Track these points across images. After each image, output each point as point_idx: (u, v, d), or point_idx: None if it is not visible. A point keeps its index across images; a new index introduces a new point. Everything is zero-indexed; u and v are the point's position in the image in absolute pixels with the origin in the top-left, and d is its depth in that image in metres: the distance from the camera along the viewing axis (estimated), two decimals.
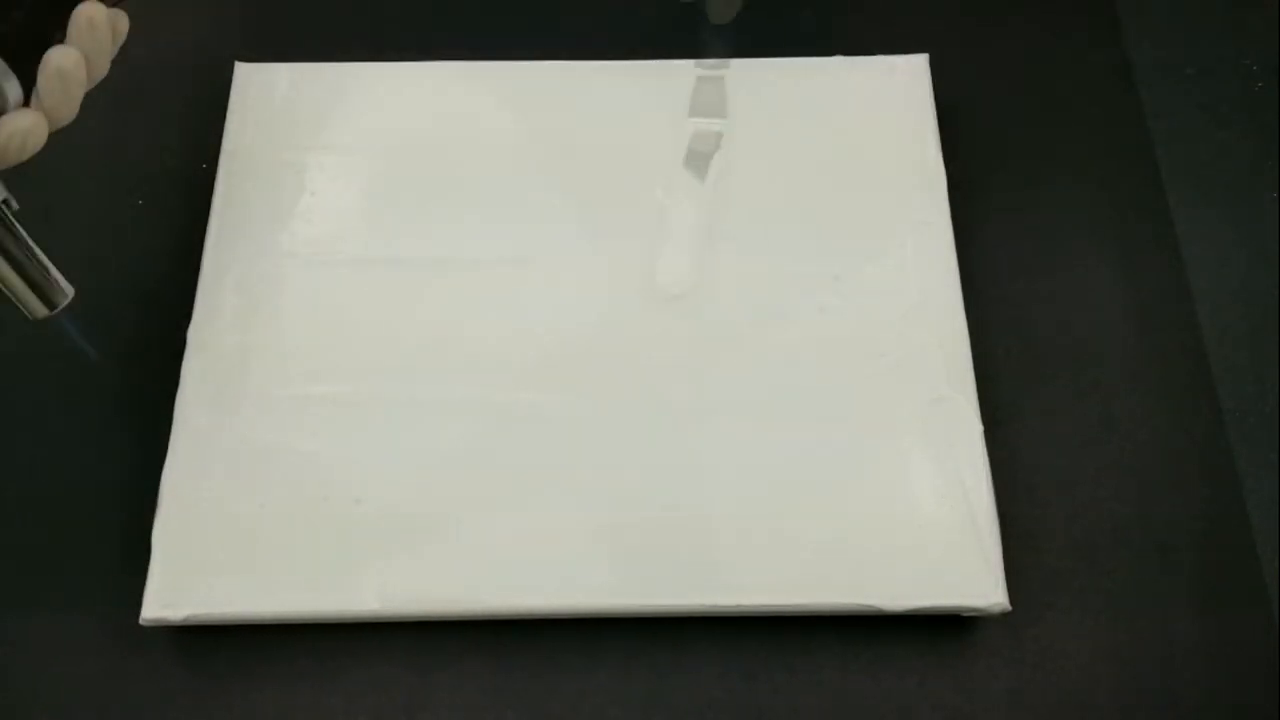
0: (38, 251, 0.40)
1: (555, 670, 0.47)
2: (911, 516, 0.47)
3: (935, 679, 0.47)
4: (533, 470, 0.48)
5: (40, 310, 0.41)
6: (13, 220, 0.39)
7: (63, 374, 0.53)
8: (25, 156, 0.39)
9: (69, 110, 0.40)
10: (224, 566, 0.47)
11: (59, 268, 0.55)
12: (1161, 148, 0.58)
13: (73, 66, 0.38)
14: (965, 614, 0.47)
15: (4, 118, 0.38)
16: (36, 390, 0.53)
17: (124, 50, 0.61)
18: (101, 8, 0.39)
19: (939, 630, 0.48)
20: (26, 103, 0.39)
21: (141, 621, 0.46)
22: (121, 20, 0.40)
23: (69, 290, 0.42)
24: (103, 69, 0.40)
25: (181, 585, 0.46)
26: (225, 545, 0.47)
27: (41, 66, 0.38)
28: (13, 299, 0.41)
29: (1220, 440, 0.51)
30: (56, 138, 0.58)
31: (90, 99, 0.59)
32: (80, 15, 0.38)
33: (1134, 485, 0.51)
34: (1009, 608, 0.46)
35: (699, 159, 0.55)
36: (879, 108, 0.56)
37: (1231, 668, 0.47)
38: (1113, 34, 0.61)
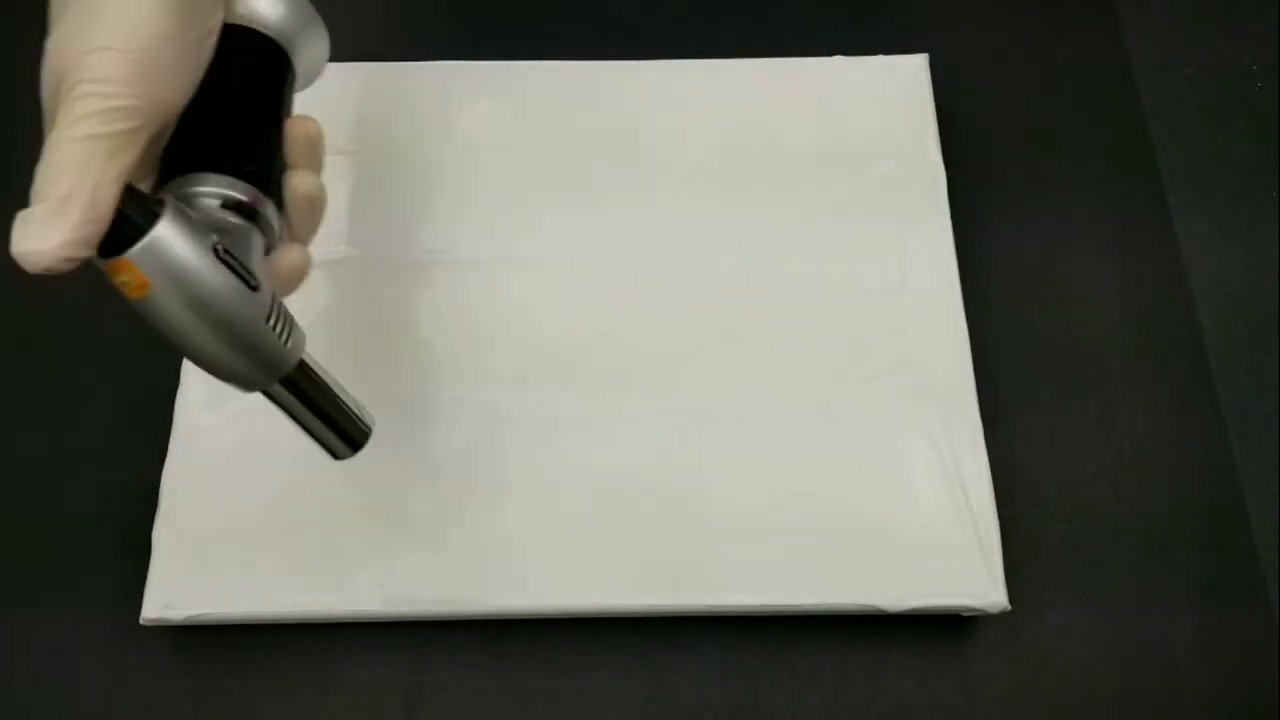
0: (339, 394, 0.40)
1: (555, 670, 0.47)
2: (911, 516, 0.47)
3: (935, 678, 0.47)
4: (533, 470, 0.48)
5: (344, 452, 0.41)
6: (315, 367, 0.39)
7: (62, 374, 0.53)
8: (296, 288, 0.40)
9: (316, 225, 0.40)
10: (224, 566, 0.47)
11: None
12: (1161, 148, 0.58)
13: (318, 190, 0.39)
14: (965, 613, 0.47)
15: (281, 254, 0.39)
16: (36, 390, 0.53)
17: None
18: (314, 121, 0.40)
19: (939, 629, 0.48)
20: None
21: (142, 621, 0.46)
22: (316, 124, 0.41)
23: (370, 424, 0.41)
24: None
25: (182, 585, 0.46)
26: (225, 545, 0.47)
27: (289, 195, 0.39)
28: (315, 441, 0.40)
29: (1220, 439, 0.51)
30: None
31: None
32: (298, 133, 0.39)
33: (1134, 485, 0.51)
34: (1009, 607, 0.46)
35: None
36: (879, 108, 0.56)
37: (1231, 667, 0.47)
38: (1113, 34, 0.61)
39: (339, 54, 0.59)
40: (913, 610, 0.46)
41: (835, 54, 0.58)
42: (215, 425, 0.49)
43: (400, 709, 0.47)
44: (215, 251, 0.34)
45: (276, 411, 0.49)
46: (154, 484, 0.48)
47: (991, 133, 0.58)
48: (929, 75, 0.57)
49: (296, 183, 0.39)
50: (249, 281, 0.35)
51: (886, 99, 0.56)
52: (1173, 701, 0.47)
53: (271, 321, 0.36)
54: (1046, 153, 0.58)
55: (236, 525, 0.47)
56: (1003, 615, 0.47)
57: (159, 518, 0.47)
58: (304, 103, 0.58)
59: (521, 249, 0.53)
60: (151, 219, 0.33)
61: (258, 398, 0.50)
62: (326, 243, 0.53)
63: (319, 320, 0.52)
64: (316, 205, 0.40)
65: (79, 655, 0.48)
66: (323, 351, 0.51)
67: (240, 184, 0.37)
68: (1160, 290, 0.55)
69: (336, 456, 0.41)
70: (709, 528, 0.47)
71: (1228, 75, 0.60)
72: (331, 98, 0.57)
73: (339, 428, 0.40)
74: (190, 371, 0.50)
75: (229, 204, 0.36)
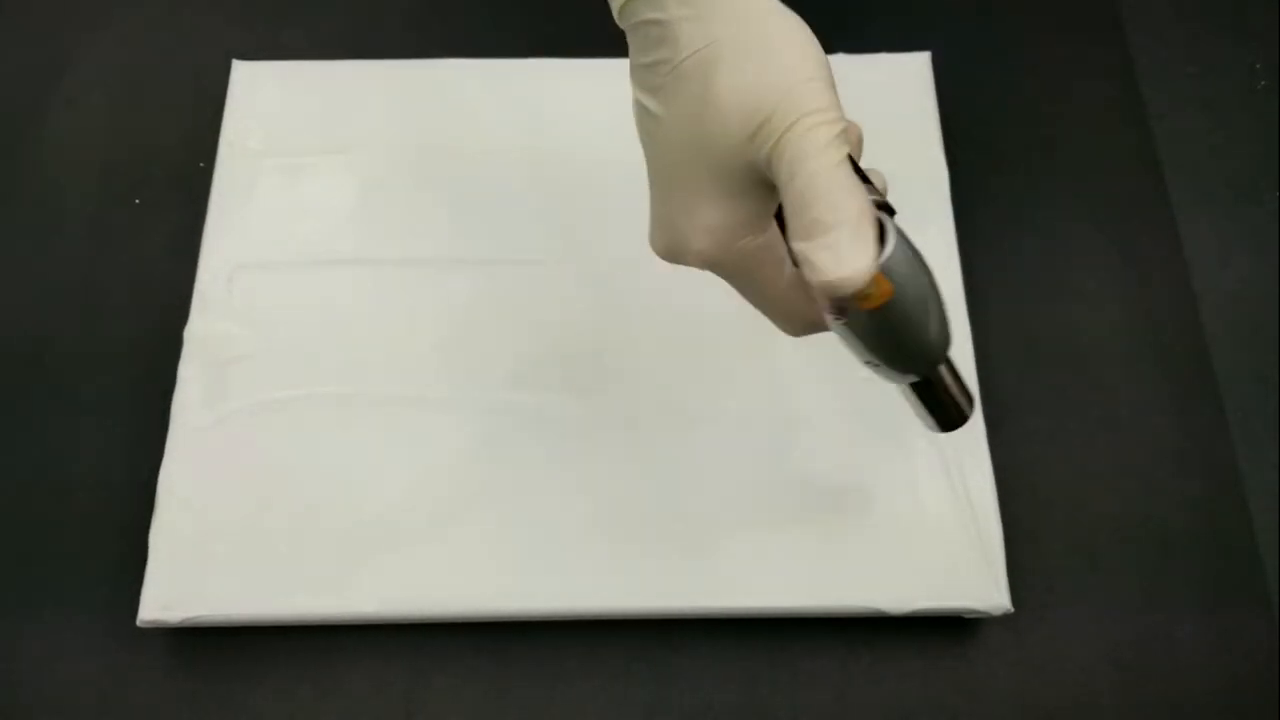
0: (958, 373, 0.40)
1: (554, 673, 0.47)
2: (913, 518, 0.47)
3: (937, 681, 0.47)
4: (532, 472, 0.48)
5: (954, 426, 0.40)
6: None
7: (59, 375, 0.53)
8: None
9: None
10: (221, 568, 0.46)
11: (54, 266, 0.55)
12: (1164, 147, 0.58)
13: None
14: (968, 616, 0.47)
15: None
16: (34, 391, 0.52)
17: (121, 48, 0.61)
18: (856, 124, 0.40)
19: (941, 632, 0.47)
20: None
21: (139, 623, 0.46)
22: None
23: (975, 400, 0.40)
24: None
25: (179, 587, 0.46)
26: (223, 547, 0.47)
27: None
28: (934, 413, 0.40)
29: (1223, 440, 0.51)
30: (55, 138, 0.58)
31: (87, 98, 0.59)
32: (854, 135, 0.40)
33: (1136, 485, 0.50)
34: (1011, 610, 0.46)
35: None
36: (881, 106, 0.56)
37: (1233, 668, 0.47)
38: (1114, 33, 0.61)
39: (337, 53, 0.59)
40: (915, 613, 0.46)
41: (837, 52, 0.57)
42: (212, 426, 0.49)
43: (398, 711, 0.46)
44: (913, 251, 0.35)
45: (274, 412, 0.49)
46: (151, 485, 0.48)
47: (994, 132, 0.58)
48: (932, 73, 0.57)
49: (875, 181, 0.39)
50: (929, 274, 0.36)
51: (889, 97, 0.56)
52: (1175, 702, 0.47)
53: (942, 305, 0.37)
54: (1049, 152, 0.58)
55: (234, 527, 0.47)
56: (1005, 617, 0.46)
57: (156, 519, 0.47)
58: (305, 99, 0.58)
59: (521, 249, 0.53)
60: (882, 228, 0.34)
61: (253, 398, 0.50)
62: (321, 242, 0.53)
63: (313, 321, 0.51)
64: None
65: (77, 657, 0.47)
66: (317, 352, 0.51)
67: (873, 187, 0.37)
68: (1163, 290, 0.55)
69: (944, 430, 0.40)
70: (710, 530, 0.47)
71: (1230, 74, 0.60)
72: (330, 96, 0.57)
73: (957, 401, 0.40)
74: (188, 371, 0.50)
75: (878, 205, 0.36)
